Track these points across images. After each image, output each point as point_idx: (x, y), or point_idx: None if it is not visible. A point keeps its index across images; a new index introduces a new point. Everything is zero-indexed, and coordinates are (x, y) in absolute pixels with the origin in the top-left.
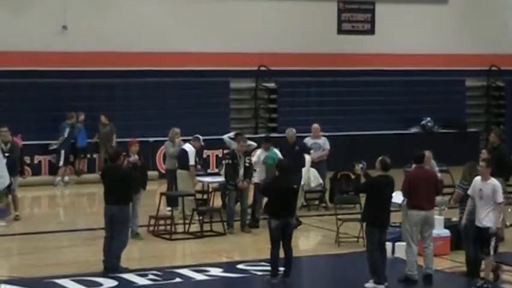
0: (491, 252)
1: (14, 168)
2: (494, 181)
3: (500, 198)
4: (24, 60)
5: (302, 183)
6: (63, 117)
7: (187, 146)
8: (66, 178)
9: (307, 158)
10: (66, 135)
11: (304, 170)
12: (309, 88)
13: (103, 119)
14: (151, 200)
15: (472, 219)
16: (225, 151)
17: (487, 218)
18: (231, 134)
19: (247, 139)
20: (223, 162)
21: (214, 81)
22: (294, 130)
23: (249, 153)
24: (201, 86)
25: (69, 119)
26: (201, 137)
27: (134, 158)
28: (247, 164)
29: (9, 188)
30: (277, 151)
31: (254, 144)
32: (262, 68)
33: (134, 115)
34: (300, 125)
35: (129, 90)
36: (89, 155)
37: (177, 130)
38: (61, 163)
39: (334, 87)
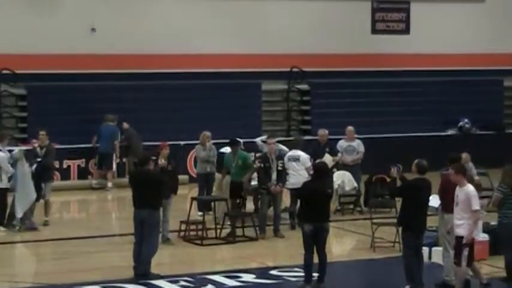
0: None
1: (47, 173)
2: None
3: None
4: (51, 63)
5: (336, 186)
6: (91, 120)
7: (225, 149)
8: (110, 184)
9: (329, 158)
10: (119, 138)
11: (338, 173)
12: (342, 89)
13: (124, 125)
14: (182, 204)
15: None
16: (257, 154)
17: None
18: (263, 137)
19: (279, 143)
20: (256, 165)
21: (246, 83)
22: (326, 131)
23: (281, 157)
24: (232, 88)
25: (112, 121)
26: (241, 141)
27: (162, 162)
28: (279, 168)
29: (38, 197)
30: (246, 154)
31: (286, 149)
32: (295, 69)
33: (165, 118)
34: (334, 127)
35: (160, 93)
36: (119, 159)
37: (208, 134)
38: (114, 166)
39: (368, 88)
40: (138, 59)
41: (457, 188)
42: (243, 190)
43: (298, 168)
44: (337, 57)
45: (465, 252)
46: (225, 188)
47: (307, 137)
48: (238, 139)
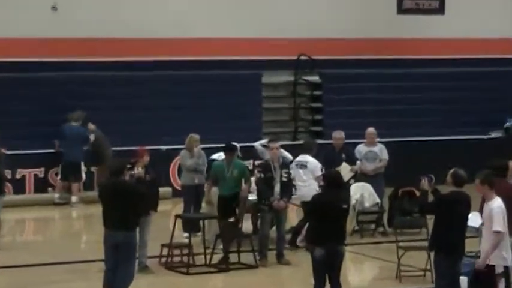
0: None
1: None
2: None
3: None
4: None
5: (353, 201)
6: (51, 119)
7: (218, 155)
8: (75, 198)
9: (346, 168)
10: (92, 140)
11: (357, 185)
12: (361, 82)
13: (90, 126)
14: (164, 223)
15: None
16: (257, 162)
17: None
18: (264, 141)
19: (283, 148)
20: (255, 175)
21: (243, 75)
22: (342, 133)
23: (286, 165)
24: (225, 80)
25: (76, 120)
26: (238, 145)
27: (139, 171)
28: (284, 179)
29: None
30: (243, 163)
31: (289, 156)
32: (303, 58)
33: (142, 117)
34: (351, 128)
35: (135, 86)
36: (86, 168)
37: (196, 136)
38: (82, 177)
39: (393, 81)
40: (110, 44)
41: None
42: (236, 205)
43: (306, 177)
44: (355, 42)
45: (501, 285)
46: (215, 202)
47: (319, 141)
48: (234, 144)
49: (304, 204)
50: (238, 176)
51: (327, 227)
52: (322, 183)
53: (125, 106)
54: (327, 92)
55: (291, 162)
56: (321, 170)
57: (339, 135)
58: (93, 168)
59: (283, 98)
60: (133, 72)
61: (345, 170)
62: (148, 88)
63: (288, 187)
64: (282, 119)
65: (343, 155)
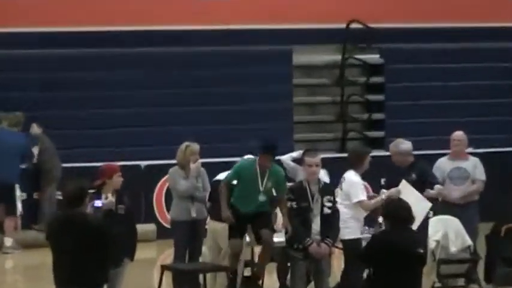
0: None
1: None
2: None
3: None
4: None
5: (432, 244)
6: None
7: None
8: (10, 241)
9: (413, 193)
10: (36, 153)
11: (438, 220)
12: (442, 63)
13: (35, 129)
14: (144, 277)
15: None
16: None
17: None
18: (296, 154)
19: (325, 164)
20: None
21: (264, 52)
22: (408, 144)
23: (329, 190)
24: (239, 60)
25: (15, 124)
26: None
27: (108, 200)
28: (327, 210)
29: None
30: (281, 170)
31: (326, 178)
32: (355, 26)
33: (111, 118)
34: (425, 133)
35: (103, 70)
36: (23, 195)
37: (194, 147)
38: (19, 208)
39: (491, 60)
40: (62, 7)
41: None
42: (258, 240)
43: (340, 201)
44: (432, 3)
45: None
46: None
47: (377, 153)
48: (274, 143)
49: (346, 246)
50: (275, 188)
51: (393, 282)
52: (380, 218)
53: (86, 101)
54: (392, 77)
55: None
56: (366, 191)
57: (403, 145)
58: (36, 195)
59: (325, 88)
60: (97, 49)
61: (412, 197)
62: (121, 74)
63: (333, 223)
64: (323, 119)
65: (413, 175)
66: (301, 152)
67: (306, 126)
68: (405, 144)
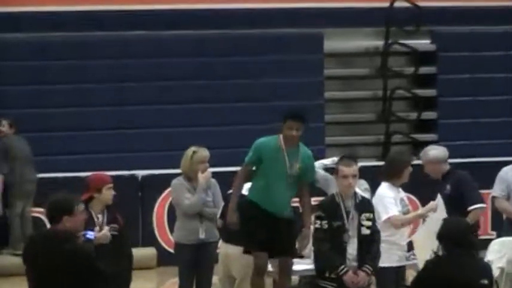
0: None
1: None
2: None
3: None
4: None
5: (496, 272)
6: None
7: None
8: None
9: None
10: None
11: (500, 243)
12: (507, 49)
13: (2, 128)
14: None
15: None
16: (316, 201)
17: None
18: (329, 161)
19: (365, 174)
20: (314, 224)
21: (287, 37)
22: (439, 150)
23: (368, 204)
24: (255, 48)
25: None
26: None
27: (102, 233)
28: (366, 231)
29: None
30: (310, 152)
31: (362, 192)
32: (400, 5)
33: (102, 118)
34: (488, 136)
35: (85, 58)
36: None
37: (203, 153)
38: None
39: None
40: None
41: None
42: (292, 238)
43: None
44: None
45: None
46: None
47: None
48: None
49: (379, 276)
50: (303, 173)
51: None
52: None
53: (65, 92)
54: (446, 67)
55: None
56: (405, 207)
57: (434, 152)
58: (7, 211)
59: (364, 80)
60: (86, 33)
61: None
62: (112, 65)
63: (372, 246)
64: (362, 119)
65: (448, 187)
66: (335, 159)
67: (340, 128)
68: (435, 150)
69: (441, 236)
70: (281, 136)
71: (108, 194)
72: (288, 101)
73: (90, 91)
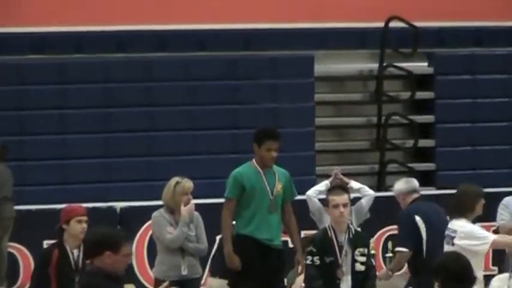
0: None
1: None
2: None
3: None
4: None
5: None
6: None
7: None
8: None
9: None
10: None
11: (504, 278)
12: (509, 73)
13: None
14: None
15: None
16: (305, 235)
17: None
18: (322, 186)
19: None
20: (300, 261)
21: (276, 60)
22: (406, 182)
23: (362, 238)
24: (242, 70)
25: None
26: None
27: (74, 258)
28: (360, 267)
29: None
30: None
31: (370, 194)
32: (396, 25)
33: (77, 146)
34: (489, 166)
35: (61, 81)
36: None
37: (186, 184)
38: None
39: None
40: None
41: None
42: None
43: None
44: None
45: None
46: None
47: (426, 191)
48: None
49: None
50: (286, 191)
51: None
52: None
53: (39, 118)
54: (444, 91)
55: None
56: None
57: (401, 187)
58: None
59: (357, 105)
60: (59, 56)
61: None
62: (91, 88)
63: (368, 283)
64: (355, 147)
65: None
66: (327, 183)
67: (332, 156)
68: (398, 182)
69: (437, 272)
70: (254, 160)
71: (77, 226)
72: (285, 128)
73: (69, 117)
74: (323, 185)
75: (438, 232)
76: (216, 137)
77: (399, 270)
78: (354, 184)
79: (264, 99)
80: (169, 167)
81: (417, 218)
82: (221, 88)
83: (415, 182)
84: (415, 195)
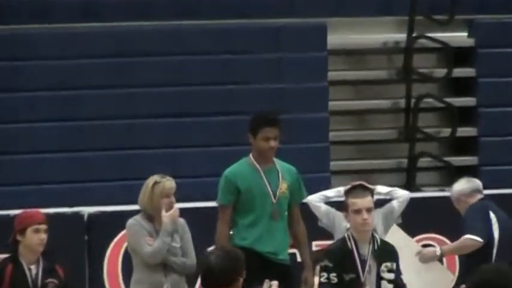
0: None
1: None
2: None
3: None
4: None
5: None
6: None
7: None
8: None
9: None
10: None
11: None
12: None
13: None
14: None
15: None
16: (316, 245)
17: None
18: (333, 192)
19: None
20: (320, 277)
21: (280, 29)
22: (467, 182)
23: (389, 252)
24: (237, 41)
25: None
26: None
27: (32, 275)
28: (388, 286)
29: None
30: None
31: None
32: None
33: (35, 138)
34: None
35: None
36: None
37: (167, 184)
38: None
39: None
40: None
41: None
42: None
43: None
44: None
45: None
46: None
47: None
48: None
49: None
50: (289, 196)
51: None
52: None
53: None
54: (488, 68)
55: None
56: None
57: (462, 187)
58: None
59: (381, 86)
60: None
61: None
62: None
63: None
64: (379, 137)
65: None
66: (341, 189)
67: (350, 149)
68: (458, 184)
69: (478, 286)
70: (251, 155)
71: (33, 238)
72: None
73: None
74: (334, 191)
75: (509, 235)
76: (206, 125)
77: (453, 254)
78: (381, 189)
79: (265, 78)
80: (148, 163)
81: (491, 215)
82: (212, 64)
83: (477, 182)
84: (479, 196)
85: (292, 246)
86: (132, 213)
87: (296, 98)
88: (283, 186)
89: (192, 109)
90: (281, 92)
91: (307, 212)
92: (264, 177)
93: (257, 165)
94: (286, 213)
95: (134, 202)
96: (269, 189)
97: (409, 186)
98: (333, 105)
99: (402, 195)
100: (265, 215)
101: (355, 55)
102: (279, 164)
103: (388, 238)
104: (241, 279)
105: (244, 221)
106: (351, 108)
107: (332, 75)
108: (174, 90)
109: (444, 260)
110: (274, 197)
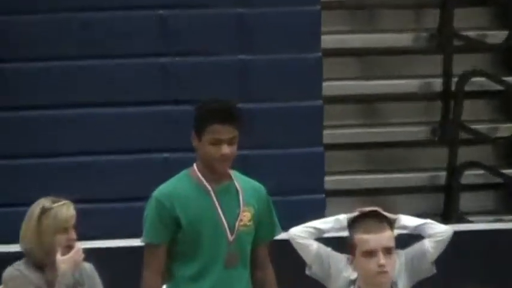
0: None
1: None
2: None
3: None
4: None
5: None
6: None
7: None
8: None
9: None
10: None
11: None
12: None
13: None
14: None
15: None
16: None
17: None
18: (329, 223)
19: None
20: None
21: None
22: None
23: None
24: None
25: None
26: None
27: None
28: None
29: None
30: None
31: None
32: None
33: None
34: None
35: None
36: None
37: (65, 211)
38: None
39: None
40: None
41: None
42: None
43: None
44: None
45: None
46: None
47: None
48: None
49: None
50: (252, 231)
51: None
52: None
53: None
54: None
55: None
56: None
57: None
58: None
59: (404, 57)
60: None
61: None
62: None
63: None
64: (402, 136)
65: None
66: (342, 218)
67: (354, 154)
68: None
69: None
70: (195, 166)
71: None
72: (257, 103)
73: None
74: (330, 221)
75: None
76: (132, 118)
77: None
78: (407, 220)
79: (227, 48)
80: (38, 177)
81: None
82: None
83: None
84: None
85: None
86: (13, 257)
87: (274, 76)
88: (246, 215)
89: (109, 95)
90: (249, 67)
91: (288, 251)
92: (215, 200)
93: (205, 183)
94: (249, 257)
95: (13, 241)
96: (224, 220)
97: (448, 213)
98: (328, 87)
99: (441, 231)
100: (217, 260)
101: (362, 11)
102: (239, 180)
103: None
104: None
105: (186, 271)
106: (355, 93)
107: (328, 40)
108: (90, 64)
109: None
110: (232, 233)
